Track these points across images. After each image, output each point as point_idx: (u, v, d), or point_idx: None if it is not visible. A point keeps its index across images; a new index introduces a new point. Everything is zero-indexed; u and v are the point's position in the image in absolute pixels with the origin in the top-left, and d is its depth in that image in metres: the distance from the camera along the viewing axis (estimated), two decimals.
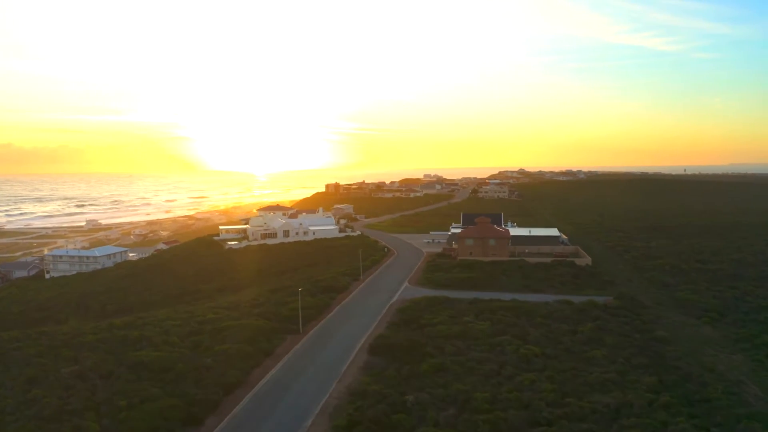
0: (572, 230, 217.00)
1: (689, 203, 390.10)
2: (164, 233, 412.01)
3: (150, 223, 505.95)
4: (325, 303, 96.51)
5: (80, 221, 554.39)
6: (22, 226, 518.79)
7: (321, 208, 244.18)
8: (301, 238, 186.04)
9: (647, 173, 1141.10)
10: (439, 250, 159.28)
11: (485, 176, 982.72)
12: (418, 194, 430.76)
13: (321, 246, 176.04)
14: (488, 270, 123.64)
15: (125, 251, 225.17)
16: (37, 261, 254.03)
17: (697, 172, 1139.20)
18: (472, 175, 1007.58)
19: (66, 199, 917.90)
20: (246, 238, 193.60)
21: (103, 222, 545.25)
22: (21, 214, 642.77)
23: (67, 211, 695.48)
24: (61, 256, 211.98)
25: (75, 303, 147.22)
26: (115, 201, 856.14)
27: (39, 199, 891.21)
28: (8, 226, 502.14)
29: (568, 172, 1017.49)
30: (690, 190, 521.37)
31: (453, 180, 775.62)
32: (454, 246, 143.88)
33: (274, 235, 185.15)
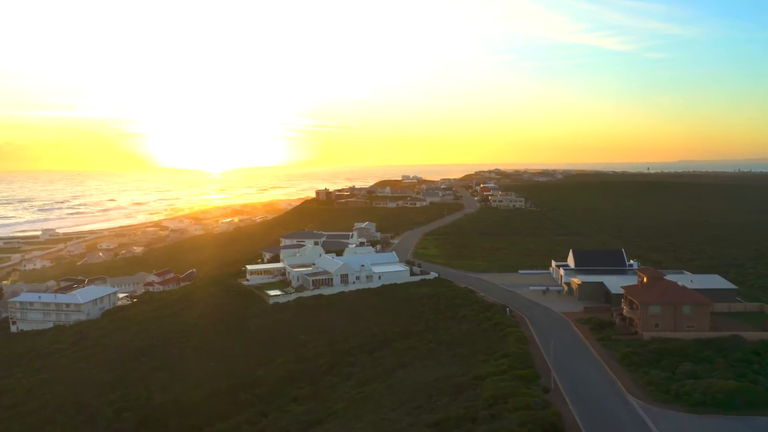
0: (674, 263, 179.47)
1: (714, 210, 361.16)
2: (138, 249, 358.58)
3: (117, 234, 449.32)
4: None
5: (35, 229, 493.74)
6: None
7: (354, 233, 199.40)
8: (364, 284, 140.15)
9: (617, 171, 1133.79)
10: (572, 307, 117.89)
11: (460, 176, 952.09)
12: (423, 203, 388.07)
13: (396, 298, 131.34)
14: (722, 363, 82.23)
15: (114, 292, 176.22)
16: None
17: (659, 170, 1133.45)
18: (450, 176, 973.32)
19: (22, 201, 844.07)
20: (287, 283, 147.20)
21: (61, 231, 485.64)
22: None
23: (25, 218, 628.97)
24: (32, 303, 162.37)
25: (71, 401, 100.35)
26: (81, 204, 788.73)
27: None
28: None
29: (545, 172, 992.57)
30: (691, 193, 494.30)
31: (433, 180, 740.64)
32: (627, 313, 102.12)
33: (329, 282, 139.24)
